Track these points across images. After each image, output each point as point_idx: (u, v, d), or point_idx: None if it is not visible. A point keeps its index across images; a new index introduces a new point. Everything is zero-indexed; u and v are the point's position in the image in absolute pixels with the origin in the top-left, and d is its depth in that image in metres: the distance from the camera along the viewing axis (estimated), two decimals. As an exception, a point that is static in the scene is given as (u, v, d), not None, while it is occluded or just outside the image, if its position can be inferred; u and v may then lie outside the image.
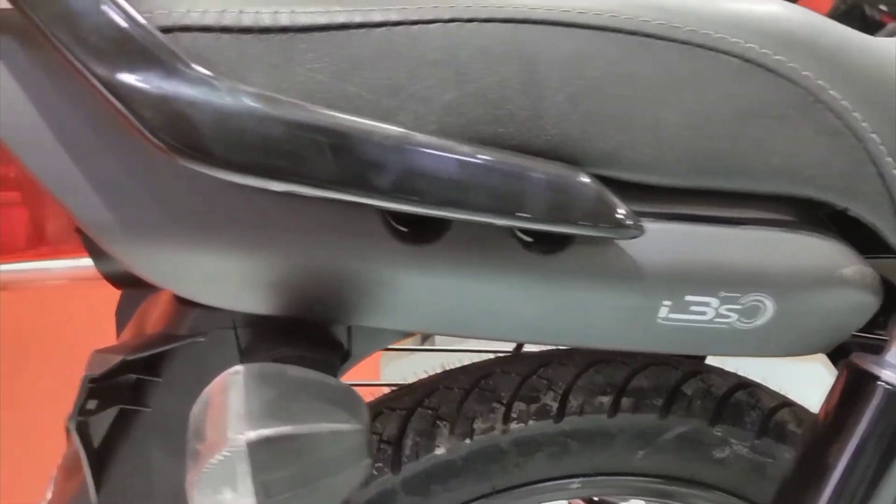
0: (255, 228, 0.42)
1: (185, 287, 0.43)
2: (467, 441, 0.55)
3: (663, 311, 0.44)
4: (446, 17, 0.41)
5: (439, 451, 0.55)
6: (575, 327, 0.46)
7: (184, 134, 0.37)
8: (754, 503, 0.59)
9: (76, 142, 0.41)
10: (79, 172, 0.41)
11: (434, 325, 0.46)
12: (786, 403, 0.61)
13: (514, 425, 0.56)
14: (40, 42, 0.39)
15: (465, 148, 0.40)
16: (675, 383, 0.58)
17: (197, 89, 0.38)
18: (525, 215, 0.40)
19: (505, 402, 0.56)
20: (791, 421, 0.59)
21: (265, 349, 0.46)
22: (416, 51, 0.41)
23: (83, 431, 0.46)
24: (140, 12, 0.39)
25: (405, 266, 0.43)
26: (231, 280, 0.43)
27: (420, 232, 0.42)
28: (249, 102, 0.38)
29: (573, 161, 0.42)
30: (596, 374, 0.57)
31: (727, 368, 0.63)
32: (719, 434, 0.58)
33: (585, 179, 0.41)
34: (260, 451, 0.37)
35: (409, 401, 0.57)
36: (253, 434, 0.37)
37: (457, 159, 0.40)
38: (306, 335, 0.47)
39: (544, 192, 0.41)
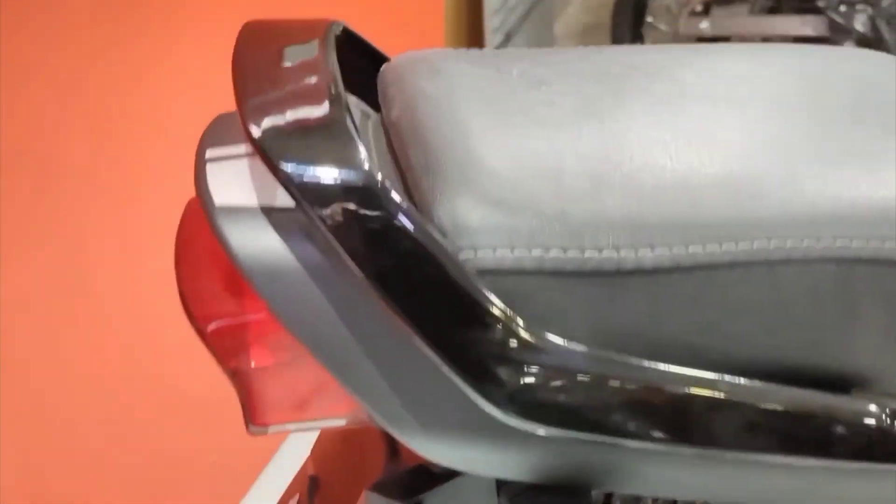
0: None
1: (462, 464, 0.45)
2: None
3: None
4: (775, 258, 0.39)
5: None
6: None
7: (513, 400, 0.37)
8: None
9: (373, 349, 0.40)
10: (379, 377, 0.41)
11: (689, 495, 0.48)
12: None
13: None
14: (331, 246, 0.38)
15: (781, 393, 0.40)
16: None
17: (526, 353, 0.37)
18: (830, 458, 0.41)
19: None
20: None
21: (523, 485, 0.48)
22: (739, 292, 0.39)
23: None
24: (458, 249, 0.37)
25: (680, 462, 0.44)
26: (508, 463, 0.44)
27: None
28: (582, 365, 0.38)
29: (870, 380, 0.42)
30: None
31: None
32: None
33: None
34: None
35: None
36: None
37: (776, 409, 0.40)
38: None
39: (853, 435, 0.40)
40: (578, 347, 0.38)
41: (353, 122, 0.39)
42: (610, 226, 0.38)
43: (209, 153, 0.44)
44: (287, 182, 0.37)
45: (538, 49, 0.55)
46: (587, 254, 0.37)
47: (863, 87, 0.51)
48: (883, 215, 0.40)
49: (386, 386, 0.41)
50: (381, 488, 0.49)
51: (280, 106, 0.40)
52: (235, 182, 0.41)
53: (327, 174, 0.37)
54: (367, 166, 0.38)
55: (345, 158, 0.38)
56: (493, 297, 0.36)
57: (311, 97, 0.41)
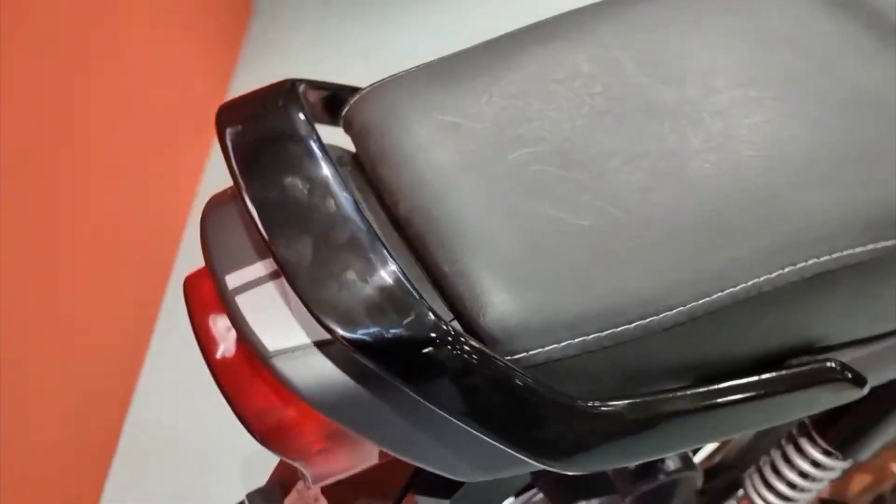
0: None
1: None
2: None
3: None
4: (765, 289, 0.46)
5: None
6: None
7: (574, 462, 0.45)
8: None
9: (440, 435, 0.45)
10: (445, 452, 0.46)
11: None
12: None
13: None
14: None
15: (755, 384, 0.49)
16: None
17: (586, 423, 0.44)
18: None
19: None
20: None
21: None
22: (732, 322, 0.47)
23: None
24: (513, 353, 0.43)
25: None
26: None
27: None
28: (626, 417, 0.45)
29: (832, 338, 0.53)
30: None
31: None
32: None
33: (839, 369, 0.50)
34: None
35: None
36: None
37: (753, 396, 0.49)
38: None
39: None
40: (620, 405, 0.44)
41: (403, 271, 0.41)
42: (634, 302, 0.44)
43: (230, 280, 0.44)
44: (348, 344, 0.39)
45: (492, 49, 0.57)
46: (621, 329, 0.44)
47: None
48: (843, 227, 0.47)
49: (453, 457, 0.46)
50: (425, 489, 0.56)
51: (330, 269, 0.41)
52: (276, 319, 0.43)
53: (391, 334, 0.39)
54: (434, 322, 0.39)
55: (409, 317, 0.39)
56: (555, 392, 0.42)
57: (354, 253, 0.41)
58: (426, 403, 0.41)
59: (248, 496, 0.70)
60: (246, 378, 0.45)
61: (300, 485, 0.68)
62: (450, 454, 0.46)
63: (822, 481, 0.77)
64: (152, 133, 1.72)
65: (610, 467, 0.48)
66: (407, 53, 1.21)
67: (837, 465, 0.76)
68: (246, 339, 0.43)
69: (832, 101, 0.52)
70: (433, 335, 0.39)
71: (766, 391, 0.48)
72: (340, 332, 0.39)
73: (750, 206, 0.48)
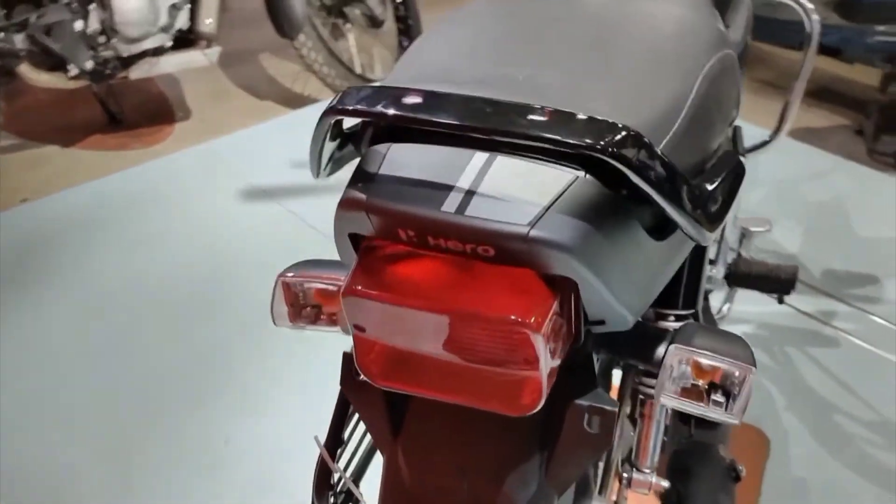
0: None
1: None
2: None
3: None
4: None
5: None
6: None
7: (708, 215, 0.62)
8: None
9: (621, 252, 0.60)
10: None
11: None
12: None
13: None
14: None
15: None
16: None
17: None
18: None
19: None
20: None
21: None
22: None
23: None
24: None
25: None
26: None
27: None
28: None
29: None
30: None
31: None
32: None
33: None
34: None
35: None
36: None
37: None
38: None
39: None
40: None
41: None
42: (672, 100, 0.67)
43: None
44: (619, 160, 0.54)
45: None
46: (679, 119, 0.66)
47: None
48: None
49: (634, 290, 0.62)
50: None
51: None
52: (499, 206, 0.56)
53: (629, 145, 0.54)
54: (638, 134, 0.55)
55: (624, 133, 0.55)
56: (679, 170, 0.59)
57: None
58: (642, 197, 0.57)
59: None
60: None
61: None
62: (632, 285, 0.62)
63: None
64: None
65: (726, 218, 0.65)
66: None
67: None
68: (494, 233, 0.55)
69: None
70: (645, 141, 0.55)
71: None
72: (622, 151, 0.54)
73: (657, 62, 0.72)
